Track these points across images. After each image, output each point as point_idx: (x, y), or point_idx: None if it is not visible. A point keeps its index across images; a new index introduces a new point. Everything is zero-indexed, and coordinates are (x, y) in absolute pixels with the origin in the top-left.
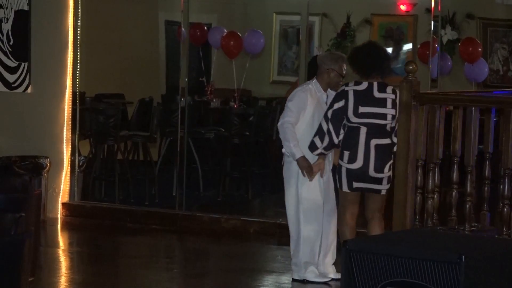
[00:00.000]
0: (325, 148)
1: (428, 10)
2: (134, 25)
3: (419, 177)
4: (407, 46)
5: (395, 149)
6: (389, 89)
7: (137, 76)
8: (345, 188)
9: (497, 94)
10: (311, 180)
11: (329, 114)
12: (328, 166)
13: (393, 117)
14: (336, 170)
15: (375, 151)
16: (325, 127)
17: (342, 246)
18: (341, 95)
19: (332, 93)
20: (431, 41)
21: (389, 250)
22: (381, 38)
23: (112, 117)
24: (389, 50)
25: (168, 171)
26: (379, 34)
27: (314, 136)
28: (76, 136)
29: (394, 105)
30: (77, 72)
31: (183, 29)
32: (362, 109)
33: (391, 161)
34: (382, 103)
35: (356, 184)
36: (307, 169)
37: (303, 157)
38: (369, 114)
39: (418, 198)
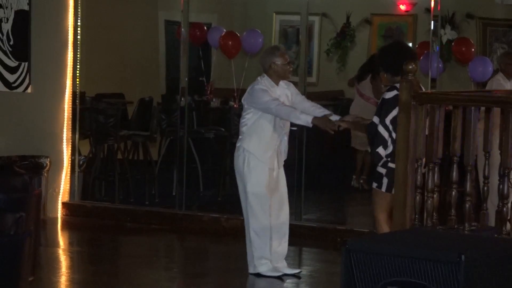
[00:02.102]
0: (388, 156)
1: (428, 10)
2: (134, 24)
3: (418, 177)
4: None
5: None
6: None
7: (137, 75)
8: (384, 188)
9: (497, 93)
10: (336, 129)
11: (388, 121)
12: (282, 160)
13: None
14: (386, 174)
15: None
16: (386, 134)
17: (342, 245)
18: (397, 100)
19: (283, 85)
20: (430, 41)
21: (389, 250)
22: (381, 38)
23: (112, 117)
24: None
25: (168, 171)
26: (379, 34)
27: (377, 147)
28: (76, 135)
29: None
30: (77, 71)
31: (183, 28)
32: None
33: None
34: None
35: None
36: (327, 124)
37: (315, 118)
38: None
39: (417, 197)
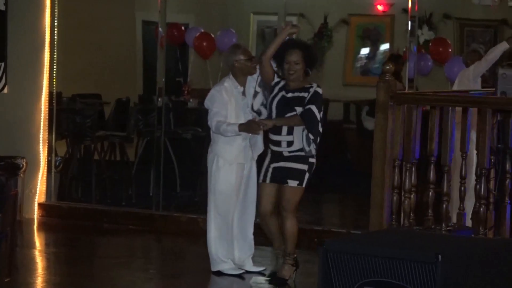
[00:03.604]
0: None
1: (405, 10)
2: (111, 25)
3: (395, 177)
4: (384, 46)
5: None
6: None
7: (114, 76)
8: (304, 184)
9: (474, 94)
10: (263, 129)
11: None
12: (255, 153)
13: None
14: (308, 169)
15: None
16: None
17: (319, 246)
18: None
19: (250, 79)
20: (407, 41)
21: (366, 250)
22: (358, 38)
23: (89, 117)
24: (367, 50)
25: (145, 171)
26: (356, 34)
27: (317, 136)
28: (53, 136)
29: None
30: (54, 72)
31: (160, 29)
32: None
33: None
34: None
35: None
36: (251, 127)
37: (239, 124)
38: None
39: (394, 198)
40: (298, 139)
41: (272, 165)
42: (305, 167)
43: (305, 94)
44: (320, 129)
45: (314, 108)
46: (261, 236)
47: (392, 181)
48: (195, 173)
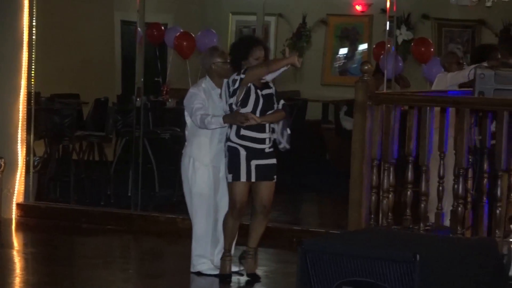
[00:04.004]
0: None
1: (384, 10)
2: (89, 25)
3: (374, 177)
4: (363, 46)
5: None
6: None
7: (93, 76)
8: None
9: (452, 94)
10: (248, 120)
11: None
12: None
13: None
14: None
15: None
16: None
17: (297, 246)
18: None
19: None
20: (385, 41)
21: (345, 250)
22: (337, 38)
23: (67, 117)
24: (345, 50)
25: (123, 171)
26: (334, 35)
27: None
28: (31, 136)
29: None
30: (32, 72)
31: (139, 29)
32: None
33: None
34: None
35: None
36: (236, 119)
37: (224, 116)
38: None
39: (373, 197)
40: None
41: (253, 163)
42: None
43: (272, 90)
44: None
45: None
46: (241, 236)
47: (370, 181)
48: (174, 173)
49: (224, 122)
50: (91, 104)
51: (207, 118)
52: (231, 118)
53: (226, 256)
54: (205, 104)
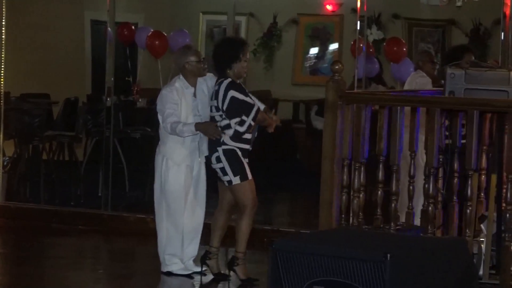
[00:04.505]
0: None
1: (354, 10)
2: (59, 24)
3: (345, 177)
4: (333, 46)
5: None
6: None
7: (63, 75)
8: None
9: (423, 93)
10: (218, 136)
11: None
12: (203, 157)
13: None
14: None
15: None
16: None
17: (268, 245)
18: (243, 89)
19: (200, 80)
20: (356, 41)
21: (315, 249)
22: (308, 38)
23: (37, 117)
24: (316, 50)
25: (94, 171)
26: (305, 34)
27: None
28: (1, 136)
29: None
30: (2, 71)
31: (109, 28)
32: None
33: (217, 154)
34: (213, 95)
35: None
36: (208, 130)
37: (197, 123)
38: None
39: (344, 197)
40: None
41: (245, 161)
42: None
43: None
44: None
45: None
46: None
47: (341, 180)
48: (144, 172)
49: (196, 129)
50: (61, 104)
51: (179, 127)
52: (204, 128)
53: (215, 255)
54: (177, 107)
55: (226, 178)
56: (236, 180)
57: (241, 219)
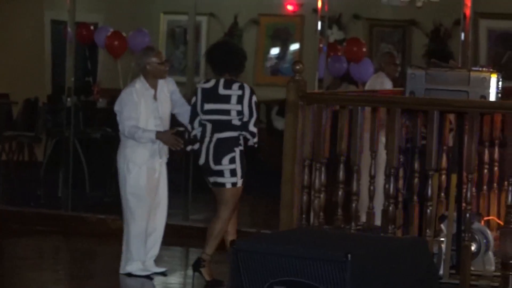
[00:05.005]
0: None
1: (315, 10)
2: (19, 24)
3: (305, 177)
4: (294, 46)
5: (251, 142)
6: (235, 85)
7: (23, 75)
8: (209, 184)
9: (383, 93)
10: (178, 148)
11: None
12: (163, 160)
13: (239, 112)
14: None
15: (214, 144)
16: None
17: (229, 245)
18: (194, 92)
19: (161, 82)
20: (317, 41)
21: (276, 250)
22: (269, 38)
23: None
24: (277, 50)
25: (53, 172)
26: (266, 34)
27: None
28: None
29: (239, 101)
30: None
31: (69, 28)
32: (207, 106)
33: (233, 154)
34: (226, 99)
35: (208, 179)
36: (169, 140)
37: (158, 132)
38: (213, 110)
39: (304, 197)
40: None
41: None
42: None
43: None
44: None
45: None
46: (173, 237)
47: (302, 180)
48: (105, 173)
49: (156, 138)
50: (21, 104)
51: (138, 132)
52: (165, 137)
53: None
54: (137, 110)
55: (232, 180)
56: (240, 183)
57: (217, 223)
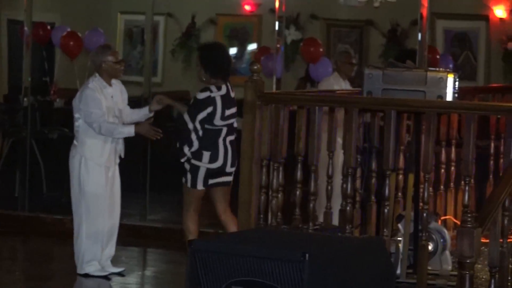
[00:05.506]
0: (192, 154)
1: (273, 10)
2: None
3: (263, 177)
4: (252, 46)
5: None
6: (232, 87)
7: None
8: (200, 186)
9: (340, 93)
10: (159, 137)
11: (197, 122)
12: (117, 158)
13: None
14: (190, 170)
15: (231, 148)
16: (193, 136)
17: (187, 245)
18: (208, 102)
19: (115, 83)
20: (274, 41)
21: (234, 250)
22: (226, 38)
23: None
24: (234, 50)
25: (10, 172)
26: (224, 34)
27: (182, 145)
28: None
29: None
30: None
31: (26, 28)
32: (228, 112)
33: None
34: (235, 102)
35: (211, 181)
36: (149, 131)
37: (136, 126)
38: (231, 115)
39: (262, 197)
40: None
41: None
42: (187, 167)
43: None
44: (193, 137)
45: (186, 117)
46: (131, 237)
47: (260, 180)
48: (62, 173)
49: (136, 131)
50: None
51: (118, 129)
52: (144, 129)
53: None
54: (102, 107)
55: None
56: None
57: (234, 219)
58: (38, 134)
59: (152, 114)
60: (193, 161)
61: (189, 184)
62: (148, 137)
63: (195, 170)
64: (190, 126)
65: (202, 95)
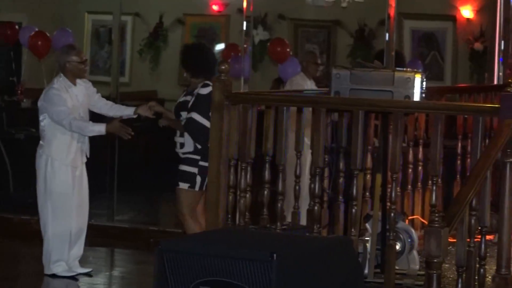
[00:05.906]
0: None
1: (240, 10)
2: None
3: (231, 177)
4: (220, 46)
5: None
6: None
7: None
8: (197, 187)
9: (308, 93)
10: (130, 136)
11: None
12: (84, 158)
13: None
14: (199, 173)
15: None
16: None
17: (154, 246)
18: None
19: (80, 83)
20: (242, 41)
21: (202, 250)
22: (194, 38)
23: None
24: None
25: None
26: (191, 34)
27: (200, 143)
28: None
29: None
30: None
31: None
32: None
33: None
34: None
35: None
36: (121, 130)
37: (107, 125)
38: None
39: (230, 197)
40: (188, 142)
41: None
42: (195, 170)
43: (189, 98)
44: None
45: (195, 115)
46: (98, 237)
47: (227, 180)
48: (29, 174)
49: (106, 129)
50: None
51: (88, 127)
52: (115, 127)
53: None
54: (67, 105)
55: None
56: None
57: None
58: (4, 134)
59: (135, 116)
60: (201, 163)
61: (197, 187)
62: (120, 136)
63: (204, 171)
64: (205, 123)
65: (205, 90)
